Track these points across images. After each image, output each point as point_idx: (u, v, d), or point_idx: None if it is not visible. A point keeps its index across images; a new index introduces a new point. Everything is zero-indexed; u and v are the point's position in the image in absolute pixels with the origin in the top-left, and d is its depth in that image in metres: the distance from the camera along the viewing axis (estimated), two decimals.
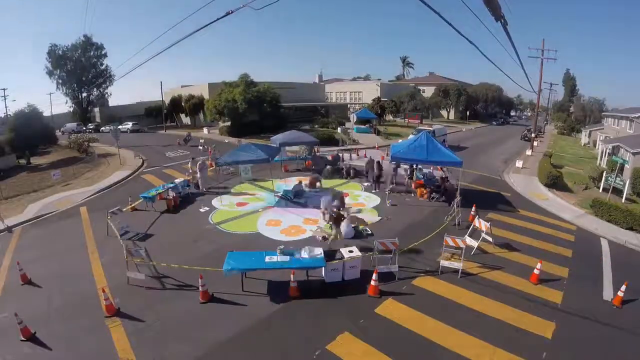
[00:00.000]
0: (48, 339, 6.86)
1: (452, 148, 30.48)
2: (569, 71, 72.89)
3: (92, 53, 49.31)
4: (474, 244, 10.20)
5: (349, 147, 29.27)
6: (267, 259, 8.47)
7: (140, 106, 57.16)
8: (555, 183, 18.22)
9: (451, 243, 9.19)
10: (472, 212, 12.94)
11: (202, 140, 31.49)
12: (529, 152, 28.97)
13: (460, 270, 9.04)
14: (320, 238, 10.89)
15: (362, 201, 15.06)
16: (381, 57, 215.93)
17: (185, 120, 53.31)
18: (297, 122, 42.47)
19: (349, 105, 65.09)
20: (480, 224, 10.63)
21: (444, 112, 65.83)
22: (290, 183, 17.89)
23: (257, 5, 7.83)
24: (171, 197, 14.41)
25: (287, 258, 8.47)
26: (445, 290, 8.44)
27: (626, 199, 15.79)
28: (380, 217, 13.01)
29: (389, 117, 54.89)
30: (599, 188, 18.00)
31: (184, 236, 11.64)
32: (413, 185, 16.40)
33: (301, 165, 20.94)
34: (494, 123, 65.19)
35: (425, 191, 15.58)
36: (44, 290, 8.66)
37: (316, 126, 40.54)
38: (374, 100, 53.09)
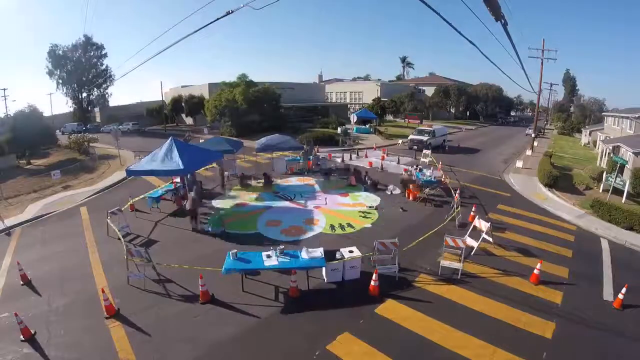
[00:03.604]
0: (48, 339, 6.87)
1: (452, 148, 30.69)
2: (569, 71, 72.88)
3: (92, 53, 49.37)
4: (474, 244, 10.19)
5: (348, 147, 29.30)
6: (266, 259, 8.46)
7: (141, 106, 57.27)
8: (555, 183, 18.20)
9: (451, 243, 9.18)
10: (472, 212, 12.94)
11: (202, 141, 31.47)
12: (529, 152, 28.97)
13: (460, 271, 9.04)
14: None
15: (362, 201, 15.06)
16: (381, 57, 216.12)
17: (187, 120, 53.39)
18: (297, 122, 42.50)
19: (349, 106, 65.08)
20: (481, 224, 10.63)
21: (444, 113, 65.71)
22: (290, 183, 17.94)
23: (257, 5, 7.83)
24: (172, 198, 14.45)
25: (287, 258, 8.47)
26: (445, 290, 8.44)
27: (626, 199, 15.78)
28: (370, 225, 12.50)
29: (389, 118, 54.92)
30: (599, 188, 18.00)
31: (184, 236, 11.65)
32: (411, 186, 16.35)
33: (302, 166, 20.92)
34: (494, 123, 65.25)
35: (415, 193, 15.38)
36: (44, 290, 8.66)
37: (317, 126, 40.55)
38: (374, 100, 53.14)
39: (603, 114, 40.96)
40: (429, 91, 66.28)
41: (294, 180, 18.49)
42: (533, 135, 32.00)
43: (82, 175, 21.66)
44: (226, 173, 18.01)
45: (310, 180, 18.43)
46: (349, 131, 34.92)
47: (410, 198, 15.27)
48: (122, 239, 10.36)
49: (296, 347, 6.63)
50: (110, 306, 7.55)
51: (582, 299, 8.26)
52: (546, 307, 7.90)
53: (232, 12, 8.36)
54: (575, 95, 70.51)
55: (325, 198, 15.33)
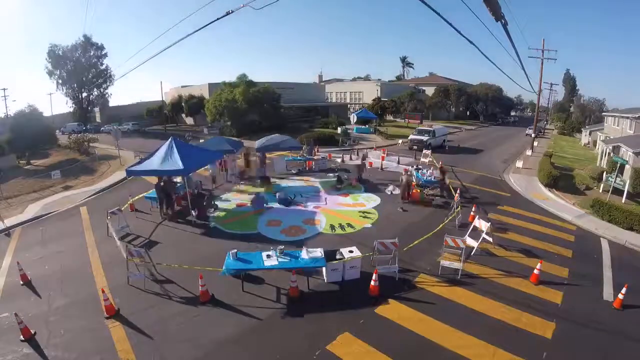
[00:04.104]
0: (48, 339, 6.87)
1: (452, 148, 30.69)
2: (569, 71, 72.94)
3: (92, 53, 49.32)
4: (474, 244, 10.19)
5: (348, 147, 29.31)
6: (266, 259, 8.46)
7: (141, 106, 57.35)
8: (556, 183, 18.20)
9: (451, 243, 9.18)
10: (472, 212, 12.93)
11: (202, 141, 31.52)
12: (529, 152, 28.97)
13: (460, 271, 9.04)
14: None
15: (362, 201, 15.06)
16: (381, 57, 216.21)
17: (188, 120, 53.44)
18: (297, 122, 42.53)
19: (349, 106, 65.10)
20: (481, 224, 10.62)
21: (444, 113, 65.64)
22: (290, 183, 17.93)
23: (257, 5, 7.84)
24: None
25: (287, 258, 8.47)
26: (445, 290, 8.44)
27: (626, 199, 15.78)
28: (370, 225, 12.49)
29: (389, 118, 54.92)
30: (599, 188, 18.00)
31: (184, 236, 11.65)
32: (412, 186, 16.36)
33: (301, 165, 20.93)
34: (494, 123, 65.30)
35: (415, 192, 15.38)
36: (44, 290, 8.66)
37: (316, 126, 40.54)
38: (374, 100, 53.15)
39: (603, 114, 40.98)
40: (429, 91, 66.31)
41: (294, 180, 18.49)
42: (533, 135, 32.02)
43: (82, 175, 21.67)
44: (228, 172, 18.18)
45: (310, 180, 18.45)
46: (349, 131, 34.94)
47: (410, 197, 15.25)
48: (118, 241, 10.36)
49: (296, 347, 6.63)
50: (110, 306, 7.55)
51: (582, 299, 8.26)
52: (546, 307, 7.90)
53: (232, 12, 8.37)
54: (575, 95, 70.55)
55: (325, 198, 15.34)
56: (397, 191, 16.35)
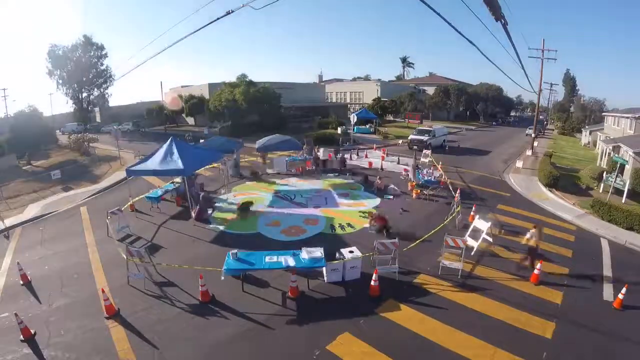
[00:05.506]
0: (48, 339, 6.86)
1: (451, 149, 30.69)
2: (569, 71, 72.84)
3: (92, 53, 49.26)
4: (474, 244, 10.19)
5: (348, 147, 29.28)
6: (267, 259, 8.46)
7: (141, 106, 57.35)
8: (556, 183, 18.20)
9: (451, 243, 9.18)
10: (472, 212, 12.93)
11: (202, 140, 31.51)
12: (529, 152, 28.96)
13: (460, 271, 9.04)
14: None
15: (362, 201, 15.06)
16: (381, 57, 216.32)
17: (189, 120, 53.43)
18: (297, 122, 42.55)
19: (349, 106, 65.08)
20: (481, 224, 10.61)
21: (444, 113, 65.56)
22: (289, 183, 17.94)
23: (257, 5, 7.85)
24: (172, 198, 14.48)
25: (287, 258, 8.46)
26: (446, 291, 8.44)
27: (626, 198, 15.78)
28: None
29: (390, 118, 54.91)
30: (599, 188, 17.99)
31: (184, 236, 11.65)
32: (410, 186, 16.39)
33: (301, 165, 20.91)
34: (494, 123, 65.27)
35: (418, 191, 15.53)
36: (44, 290, 8.65)
37: (315, 126, 40.55)
38: (374, 100, 53.14)
39: (603, 113, 40.99)
40: (429, 91, 66.25)
41: (293, 181, 18.50)
42: (533, 135, 32.02)
43: (82, 175, 21.66)
44: (229, 172, 18.18)
45: (310, 180, 18.44)
46: (348, 131, 34.95)
47: (414, 196, 15.26)
48: (118, 241, 10.36)
49: (296, 347, 6.63)
50: (110, 306, 7.55)
51: (582, 299, 8.27)
52: (546, 307, 7.90)
53: (232, 11, 8.38)
54: (575, 95, 70.46)
55: (325, 198, 15.34)
56: (398, 191, 16.36)
